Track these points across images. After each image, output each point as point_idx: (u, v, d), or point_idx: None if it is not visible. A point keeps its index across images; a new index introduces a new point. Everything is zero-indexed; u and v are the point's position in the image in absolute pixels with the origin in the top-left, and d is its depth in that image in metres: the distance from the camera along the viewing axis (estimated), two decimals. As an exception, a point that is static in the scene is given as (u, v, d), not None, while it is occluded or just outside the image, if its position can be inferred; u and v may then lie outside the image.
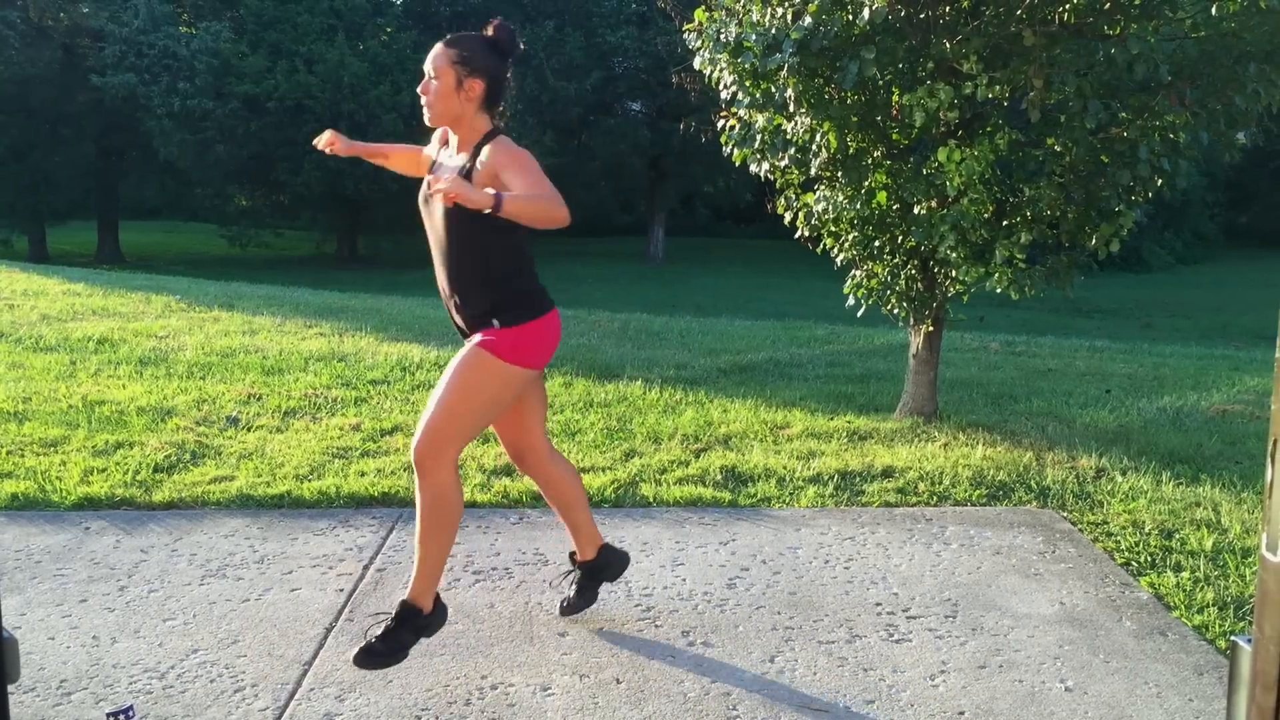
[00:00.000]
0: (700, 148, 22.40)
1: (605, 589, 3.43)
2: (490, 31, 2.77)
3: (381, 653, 2.76)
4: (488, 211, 2.46)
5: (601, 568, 3.24)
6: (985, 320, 14.11)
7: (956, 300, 5.58)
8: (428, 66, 2.75)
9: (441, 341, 7.80)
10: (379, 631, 2.80)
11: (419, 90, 2.79)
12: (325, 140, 3.08)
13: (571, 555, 3.26)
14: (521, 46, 2.83)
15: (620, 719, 2.68)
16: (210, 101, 25.90)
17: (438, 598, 2.86)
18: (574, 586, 3.26)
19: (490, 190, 2.47)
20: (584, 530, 3.19)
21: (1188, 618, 3.34)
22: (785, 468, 4.78)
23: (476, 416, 2.80)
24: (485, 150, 2.69)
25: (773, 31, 4.78)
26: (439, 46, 2.76)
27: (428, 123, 2.83)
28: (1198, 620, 3.32)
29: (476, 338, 2.79)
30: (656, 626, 3.22)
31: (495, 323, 2.77)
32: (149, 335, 7.77)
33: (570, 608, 3.26)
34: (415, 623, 2.80)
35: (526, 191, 2.56)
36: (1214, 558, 3.84)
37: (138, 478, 4.47)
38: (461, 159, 2.78)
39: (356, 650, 2.79)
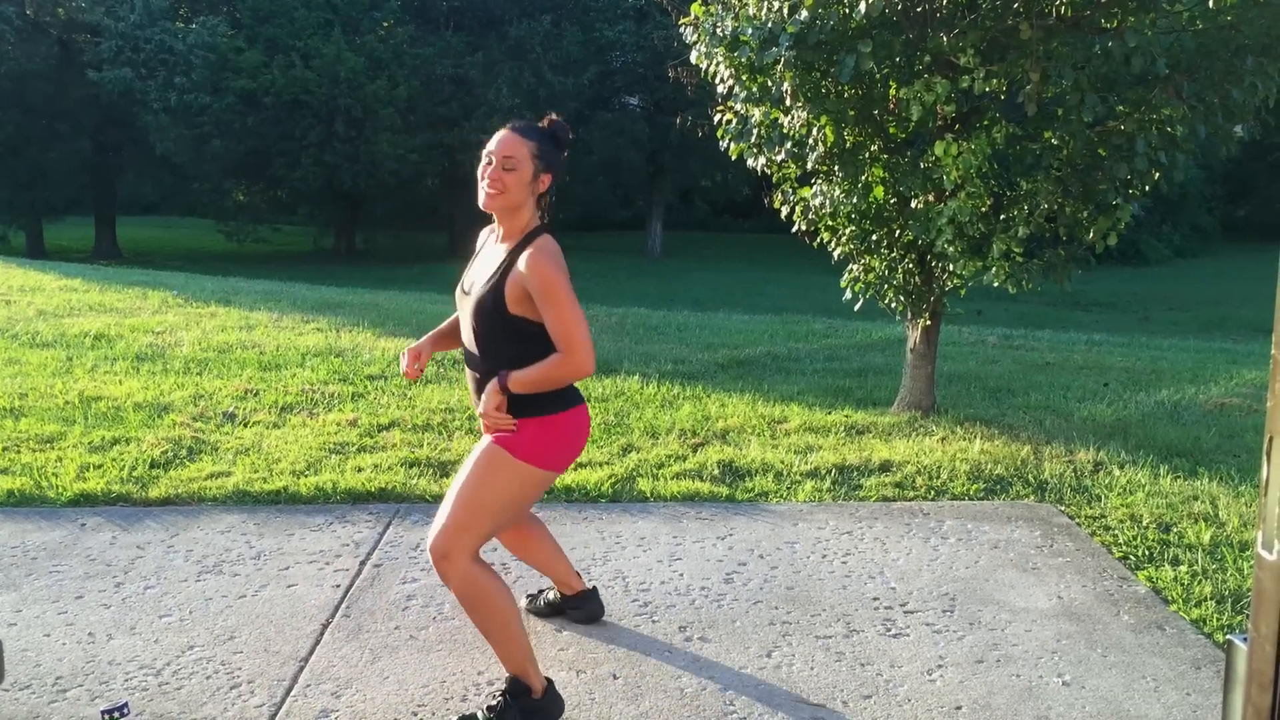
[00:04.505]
0: (698, 142, 22.31)
1: (602, 585, 3.43)
2: (548, 124, 2.68)
3: None
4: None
5: (575, 606, 3.19)
6: (983, 314, 14.16)
7: (954, 294, 5.58)
8: (501, 152, 2.58)
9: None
10: (489, 704, 2.65)
11: (481, 174, 2.61)
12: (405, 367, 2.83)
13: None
14: (572, 138, 2.76)
15: (617, 715, 2.68)
16: (207, 96, 25.84)
17: (552, 686, 2.67)
18: (548, 599, 3.22)
19: (496, 387, 2.58)
20: (558, 576, 3.15)
21: (1185, 611, 3.34)
22: (783, 462, 4.77)
23: (494, 517, 2.63)
24: (524, 257, 2.54)
25: (769, 25, 4.77)
26: (513, 135, 2.60)
27: (485, 206, 2.62)
28: (1195, 614, 3.32)
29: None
30: (654, 621, 3.21)
31: (512, 414, 2.63)
32: (146, 331, 7.75)
33: (535, 609, 3.23)
34: (525, 703, 2.61)
35: (552, 327, 2.52)
36: (1212, 551, 3.84)
37: (134, 474, 4.46)
38: (502, 251, 2.64)
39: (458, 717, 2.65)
